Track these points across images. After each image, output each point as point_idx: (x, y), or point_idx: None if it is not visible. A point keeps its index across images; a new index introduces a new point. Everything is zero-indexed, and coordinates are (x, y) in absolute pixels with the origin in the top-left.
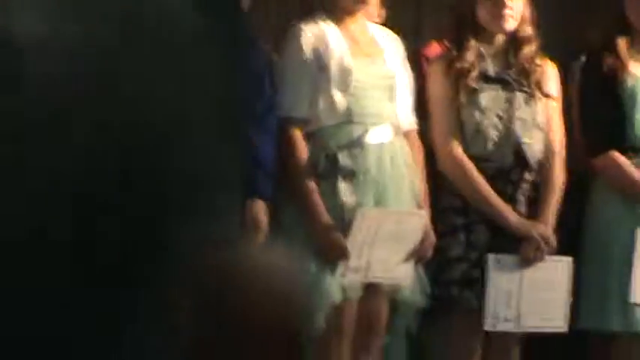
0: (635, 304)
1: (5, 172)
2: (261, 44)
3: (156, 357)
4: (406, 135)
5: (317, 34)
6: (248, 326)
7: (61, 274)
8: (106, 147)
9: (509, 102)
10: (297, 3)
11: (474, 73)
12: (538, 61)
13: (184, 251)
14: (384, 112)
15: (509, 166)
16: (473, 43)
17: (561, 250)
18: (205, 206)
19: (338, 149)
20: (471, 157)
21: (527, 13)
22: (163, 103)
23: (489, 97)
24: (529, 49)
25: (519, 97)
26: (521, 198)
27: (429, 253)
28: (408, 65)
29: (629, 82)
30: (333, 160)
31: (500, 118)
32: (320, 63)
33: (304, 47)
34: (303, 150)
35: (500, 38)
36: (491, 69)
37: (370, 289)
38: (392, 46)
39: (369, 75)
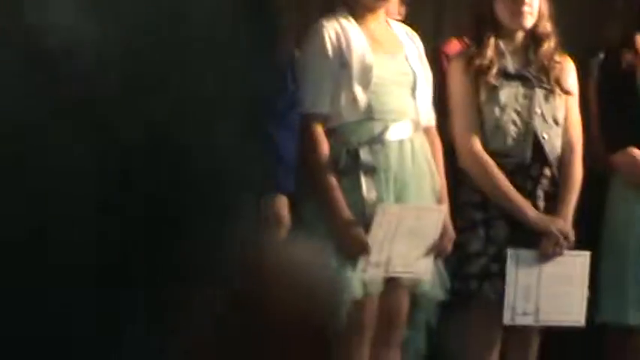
0: None
1: (36, 174)
2: (283, 40)
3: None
4: (426, 131)
5: (338, 31)
6: (272, 322)
7: (87, 274)
8: (135, 146)
9: (529, 98)
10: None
11: (494, 70)
12: (557, 57)
13: (207, 249)
14: (405, 108)
15: (528, 162)
16: (492, 40)
17: (580, 245)
18: (229, 203)
19: (359, 145)
20: (491, 153)
21: (546, 9)
22: (189, 101)
23: (509, 94)
24: (548, 46)
25: (539, 93)
26: (540, 193)
27: (449, 248)
28: (427, 62)
29: None
30: (354, 156)
31: (519, 114)
32: (341, 60)
33: (326, 44)
34: (324, 146)
35: (519, 35)
36: (510, 66)
37: (391, 283)
38: (412, 42)
39: (389, 72)
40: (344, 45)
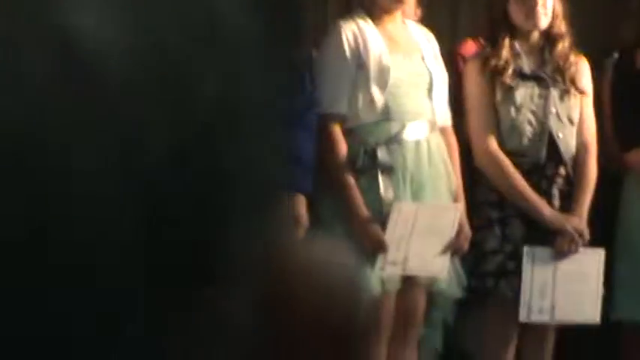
0: None
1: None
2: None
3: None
4: (442, 131)
5: (356, 32)
6: (290, 322)
7: (113, 274)
8: (159, 146)
9: (544, 98)
10: (336, 1)
11: (510, 71)
12: (572, 57)
13: (228, 249)
14: (421, 108)
15: (543, 161)
16: (507, 40)
17: (594, 244)
18: (249, 203)
19: (376, 145)
20: (507, 153)
21: (560, 9)
22: (212, 100)
23: (524, 94)
24: (563, 46)
25: (554, 93)
26: (555, 192)
27: (465, 246)
28: (442, 62)
29: None
30: (371, 155)
31: (534, 114)
32: (359, 61)
33: (344, 45)
34: (342, 146)
35: (534, 35)
36: (526, 66)
37: (408, 281)
38: (428, 43)
39: (406, 72)
40: (361, 46)
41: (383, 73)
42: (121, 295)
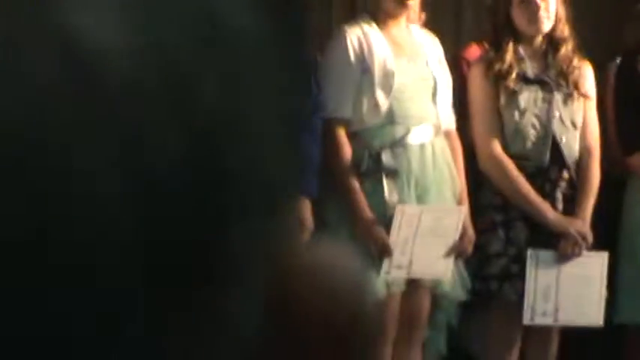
0: None
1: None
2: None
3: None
4: (446, 134)
5: (361, 37)
6: (297, 325)
7: (122, 274)
8: (161, 146)
9: (548, 102)
10: (340, 6)
11: (513, 75)
12: (576, 61)
13: (231, 250)
14: (426, 112)
15: (547, 165)
16: (511, 45)
17: (597, 247)
18: (253, 205)
19: (381, 149)
20: (511, 156)
21: (563, 12)
22: (223, 103)
23: (528, 98)
24: (566, 49)
25: (557, 97)
26: (559, 195)
27: (469, 248)
28: (446, 66)
29: None
30: (376, 159)
31: (538, 118)
32: (364, 65)
33: (349, 50)
34: (347, 149)
35: (538, 39)
36: (530, 70)
37: (412, 283)
38: (432, 47)
39: (410, 77)
40: (366, 51)
41: (387, 78)
42: (121, 295)
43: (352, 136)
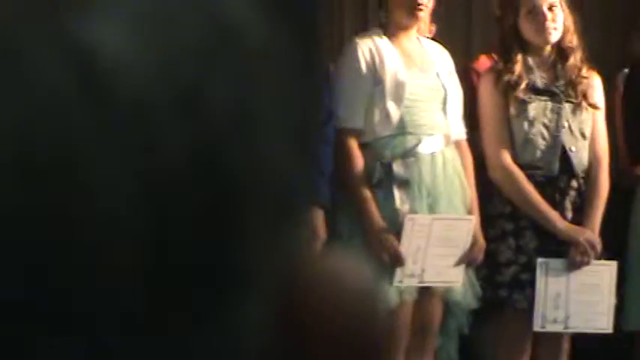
0: None
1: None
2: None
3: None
4: (456, 144)
5: (372, 48)
6: (310, 335)
7: (140, 274)
8: (173, 151)
9: (557, 112)
10: (353, 18)
11: (523, 85)
12: (584, 72)
13: (248, 261)
14: (436, 123)
15: (556, 174)
16: (520, 56)
17: (606, 255)
18: (266, 212)
19: (392, 159)
20: (520, 166)
21: (571, 23)
22: (236, 112)
23: (538, 108)
24: (574, 59)
25: (566, 107)
26: (568, 205)
27: (480, 257)
28: (457, 77)
29: None
30: (387, 169)
31: (547, 128)
32: (375, 77)
33: (360, 61)
34: (358, 160)
35: (546, 50)
36: (539, 81)
37: (424, 292)
38: (442, 58)
39: (421, 88)
40: (378, 62)
41: (399, 89)
42: (130, 295)
43: (364, 147)
